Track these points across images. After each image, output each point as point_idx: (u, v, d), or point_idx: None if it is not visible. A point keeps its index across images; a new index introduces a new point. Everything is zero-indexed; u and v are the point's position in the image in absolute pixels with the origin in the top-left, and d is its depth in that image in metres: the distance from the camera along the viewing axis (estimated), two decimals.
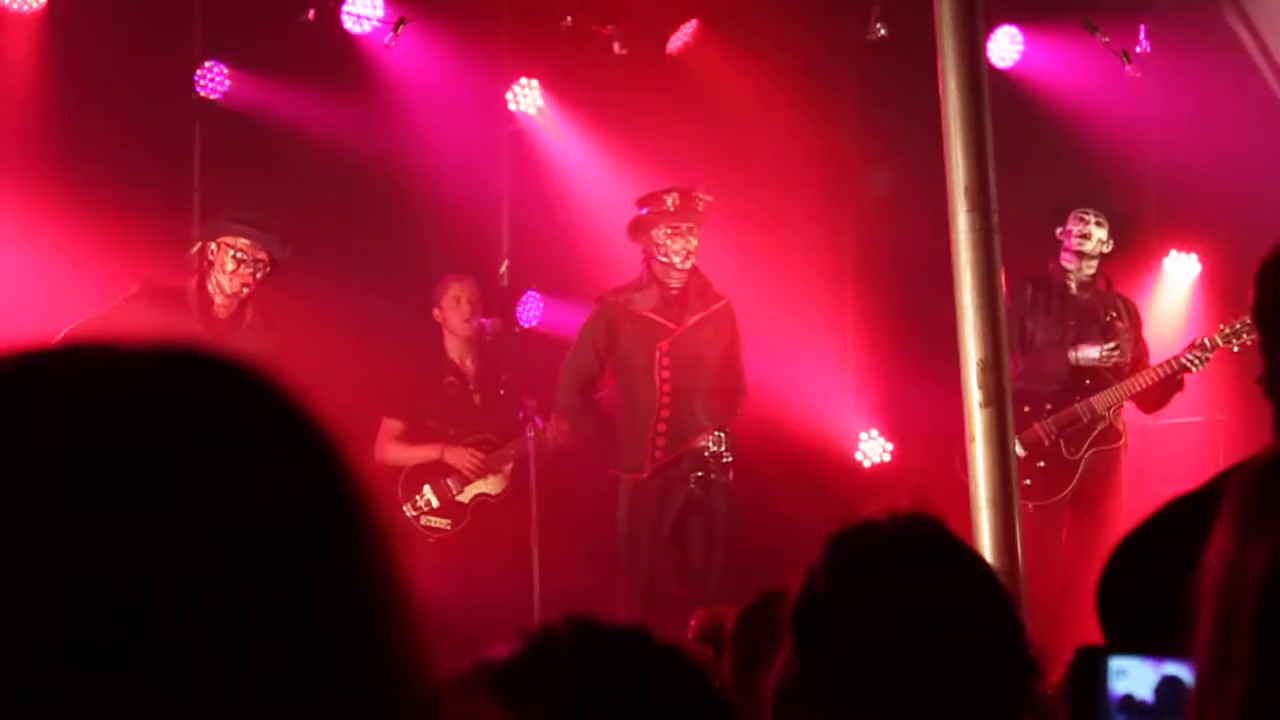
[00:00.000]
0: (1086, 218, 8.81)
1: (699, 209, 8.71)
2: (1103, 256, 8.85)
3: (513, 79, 10.00)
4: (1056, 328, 8.76)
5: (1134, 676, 1.91)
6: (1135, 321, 8.96)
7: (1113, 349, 8.69)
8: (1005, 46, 10.12)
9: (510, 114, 10.03)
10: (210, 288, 8.16)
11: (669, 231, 8.67)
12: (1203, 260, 9.95)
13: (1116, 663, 1.92)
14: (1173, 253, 9.97)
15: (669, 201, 8.67)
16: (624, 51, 9.84)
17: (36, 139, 9.26)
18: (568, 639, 1.83)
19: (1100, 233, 8.80)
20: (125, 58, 9.32)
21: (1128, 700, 1.91)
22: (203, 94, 9.61)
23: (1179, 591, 2.04)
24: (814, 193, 10.01)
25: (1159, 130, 10.15)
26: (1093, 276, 8.85)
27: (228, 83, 9.62)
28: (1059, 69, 10.16)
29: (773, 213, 9.80)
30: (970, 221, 6.10)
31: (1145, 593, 2.46)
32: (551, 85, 9.99)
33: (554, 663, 1.81)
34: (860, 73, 10.06)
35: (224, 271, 8.12)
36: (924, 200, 9.50)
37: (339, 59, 9.76)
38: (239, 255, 8.10)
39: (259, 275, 8.16)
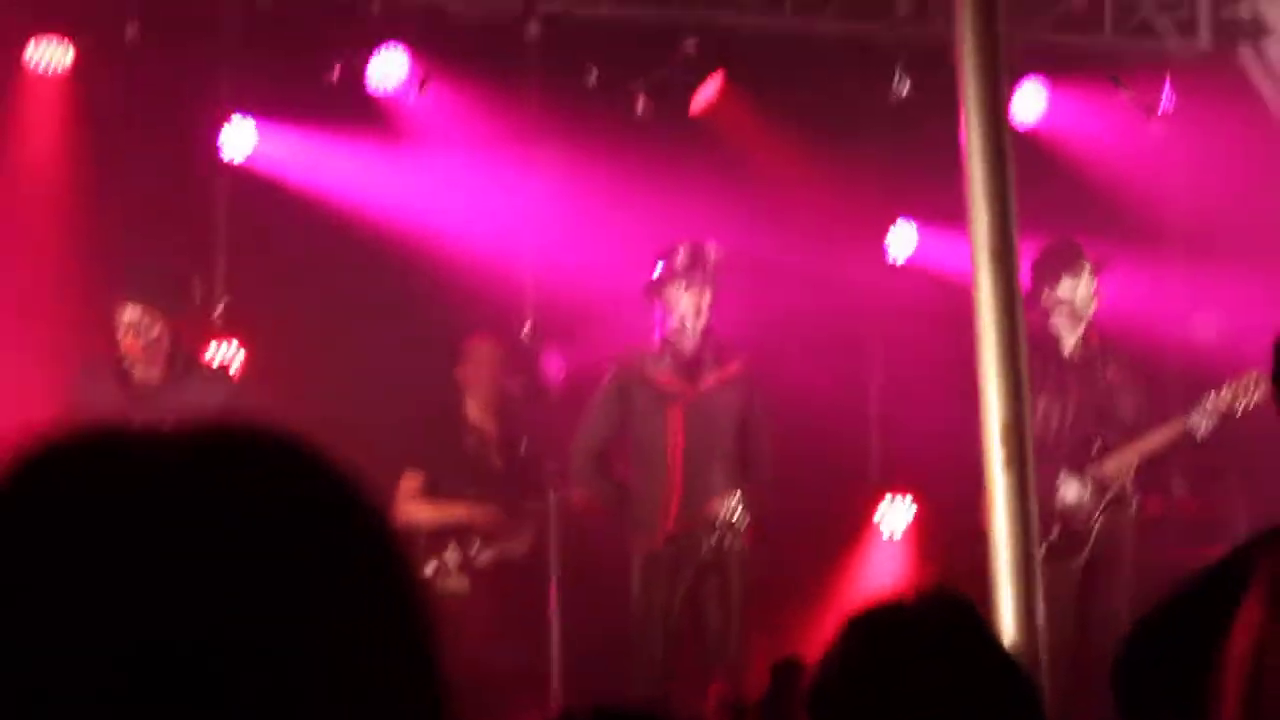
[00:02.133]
0: (1079, 276, 8.62)
1: (710, 263, 8.60)
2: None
3: (537, 136, 10.00)
4: (1057, 394, 8.60)
5: None
6: (1134, 374, 8.79)
7: (1092, 494, 8.57)
8: (1030, 102, 10.10)
9: (533, 170, 10.03)
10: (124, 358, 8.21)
11: (682, 286, 8.57)
12: (1227, 316, 9.91)
13: None
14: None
15: (680, 256, 8.59)
16: (647, 111, 9.85)
17: (61, 200, 9.31)
18: None
19: (1094, 289, 8.63)
20: (150, 118, 9.36)
21: None
22: (227, 153, 9.65)
23: (1199, 669, 2.01)
24: (838, 250, 9.99)
25: (1185, 185, 10.13)
26: (1084, 332, 8.72)
27: (253, 140, 9.66)
28: (1084, 125, 10.15)
29: (796, 271, 9.78)
30: (994, 283, 6.08)
31: (1164, 670, 2.43)
32: (575, 142, 9.99)
33: None
34: (884, 130, 10.06)
35: (119, 339, 8.15)
36: (946, 259, 9.53)
37: (364, 117, 9.78)
38: (126, 323, 8.12)
39: (152, 336, 8.11)
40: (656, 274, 8.64)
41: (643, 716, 1.86)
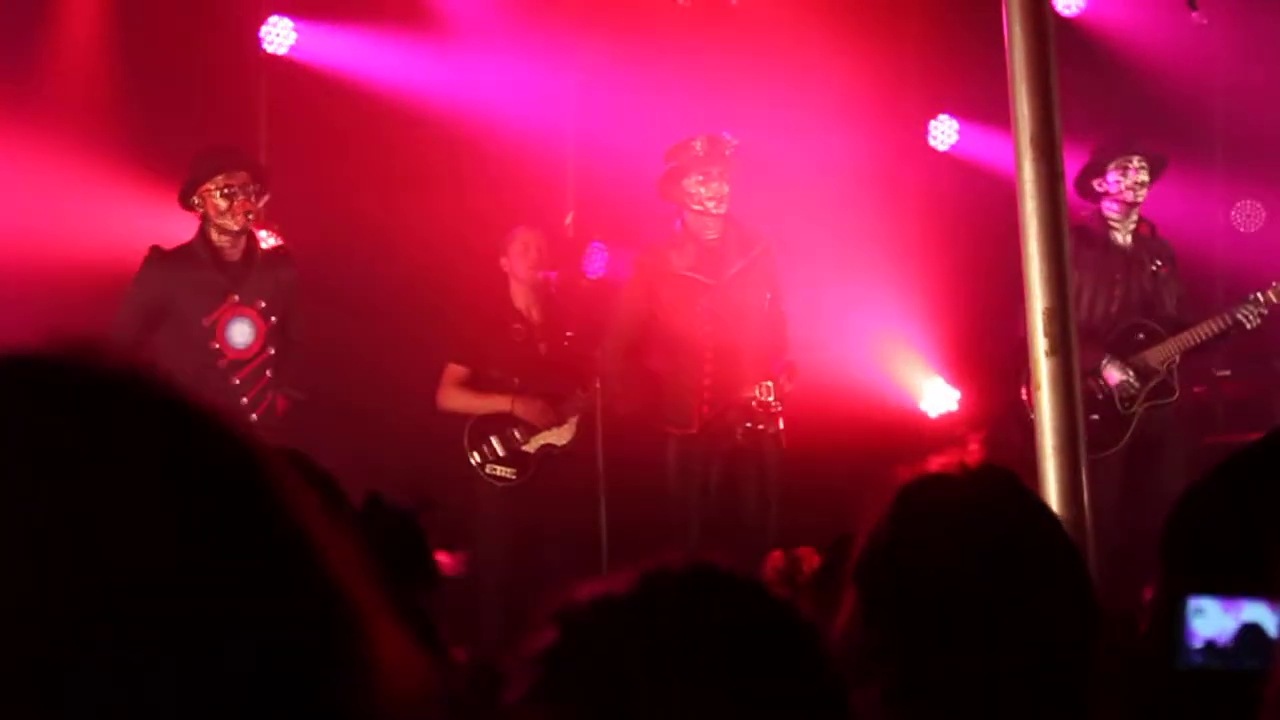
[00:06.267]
0: (1131, 165, 8.62)
1: (727, 153, 8.59)
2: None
3: (577, 27, 9.97)
4: (1105, 282, 8.64)
5: (1212, 617, 1.92)
6: (1176, 267, 8.81)
7: (1134, 381, 8.58)
8: None
9: (576, 62, 9.99)
10: (214, 238, 8.05)
11: (699, 179, 8.55)
12: (1269, 211, 9.88)
13: (1196, 603, 1.93)
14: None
15: (697, 147, 8.57)
16: (687, 2, 9.81)
17: (101, 97, 9.32)
18: (684, 578, 1.81)
19: (1146, 178, 8.65)
20: (190, 15, 9.37)
21: (1207, 643, 1.92)
22: (268, 49, 9.66)
23: (1257, 535, 2.04)
24: (878, 140, 9.97)
25: (1225, 77, 10.08)
26: (1136, 223, 8.74)
27: (293, 37, 9.67)
28: (1125, 15, 10.09)
29: (837, 161, 9.76)
30: (1035, 170, 6.08)
31: (1220, 536, 2.46)
32: (614, 35, 9.97)
33: (668, 598, 1.79)
34: (923, 18, 10.01)
35: (220, 213, 7.97)
36: (988, 146, 9.51)
37: (403, 10, 9.77)
38: (225, 190, 7.98)
39: (254, 199, 8.01)
40: (673, 166, 8.63)
41: (743, 576, 1.87)
